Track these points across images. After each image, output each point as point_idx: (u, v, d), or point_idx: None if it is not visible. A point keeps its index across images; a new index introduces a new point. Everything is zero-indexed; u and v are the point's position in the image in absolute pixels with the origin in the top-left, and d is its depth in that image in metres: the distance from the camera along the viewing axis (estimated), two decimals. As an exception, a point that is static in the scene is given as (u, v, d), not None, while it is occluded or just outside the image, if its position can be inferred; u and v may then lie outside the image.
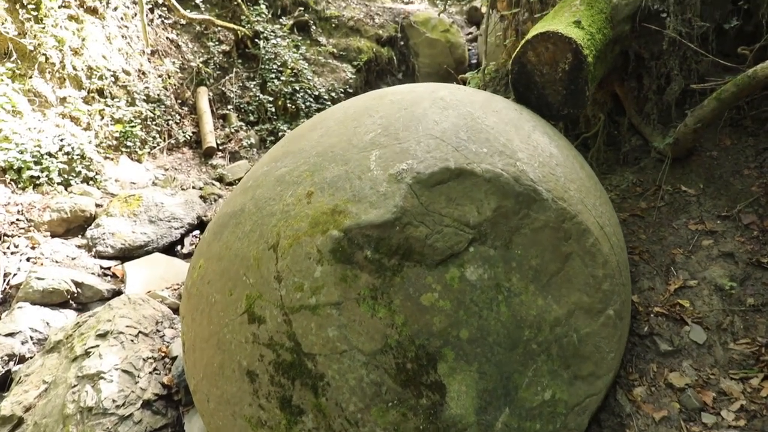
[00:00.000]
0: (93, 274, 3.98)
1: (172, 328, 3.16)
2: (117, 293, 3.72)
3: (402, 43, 9.18)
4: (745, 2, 2.72)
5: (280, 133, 6.83)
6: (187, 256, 4.53)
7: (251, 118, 6.92)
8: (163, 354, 2.89)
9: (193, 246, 4.64)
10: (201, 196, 5.34)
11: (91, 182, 5.10)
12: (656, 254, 2.58)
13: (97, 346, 2.80)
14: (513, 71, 2.35)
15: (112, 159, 5.51)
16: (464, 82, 4.55)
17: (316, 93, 7.51)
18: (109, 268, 4.11)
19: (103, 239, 4.30)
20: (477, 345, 1.68)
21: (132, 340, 2.91)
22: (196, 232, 4.83)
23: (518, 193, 1.73)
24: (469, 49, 9.53)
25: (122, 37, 6.11)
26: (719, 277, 2.35)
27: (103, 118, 5.62)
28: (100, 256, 4.23)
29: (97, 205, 4.75)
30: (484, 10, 10.40)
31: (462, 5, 10.91)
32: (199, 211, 4.92)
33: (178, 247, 4.59)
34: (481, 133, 1.83)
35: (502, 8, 3.71)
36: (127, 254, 4.28)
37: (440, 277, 1.66)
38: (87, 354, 2.79)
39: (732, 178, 2.65)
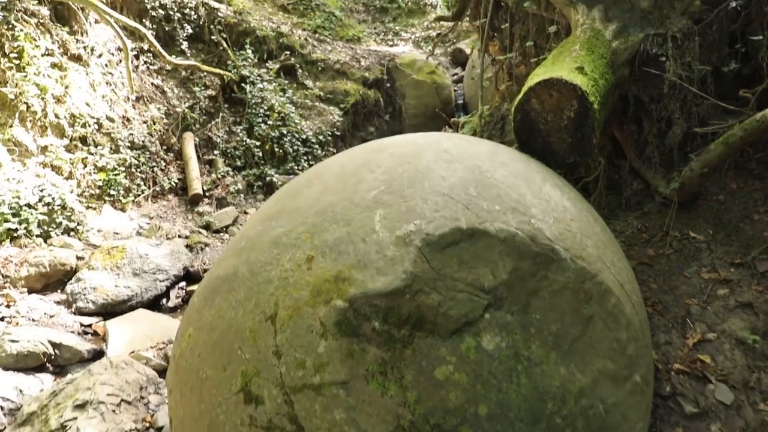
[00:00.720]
0: (72, 332, 3.75)
1: (158, 393, 2.94)
2: (98, 354, 3.50)
3: (388, 85, 9.24)
4: (742, 45, 2.71)
5: (267, 178, 6.73)
6: (173, 310, 4.32)
7: (238, 163, 6.81)
8: (147, 425, 2.67)
9: (179, 299, 4.44)
10: (187, 245, 5.17)
11: (72, 233, 4.91)
12: (670, 305, 2.47)
13: (75, 418, 2.58)
14: (516, 119, 2.27)
15: (94, 208, 5.33)
16: (456, 126, 4.51)
17: (304, 136, 7.46)
18: (90, 326, 3.89)
19: (84, 294, 4.09)
20: (497, 422, 1.52)
21: (113, 410, 2.69)
22: (183, 283, 4.63)
23: (535, 253, 1.61)
24: (455, 90, 9.62)
25: (106, 83, 6.02)
26: (740, 329, 2.23)
27: (85, 166, 5.47)
28: (80, 312, 4.00)
29: (79, 258, 4.55)
30: (468, 51, 10.58)
31: (446, 47, 11.09)
32: (186, 262, 4.73)
33: (164, 301, 4.39)
34: (492, 189, 1.73)
35: (494, 52, 3.69)
36: (109, 310, 4.06)
37: (455, 347, 1.52)
38: (63, 428, 2.56)
39: (742, 224, 2.57)
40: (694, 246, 2.64)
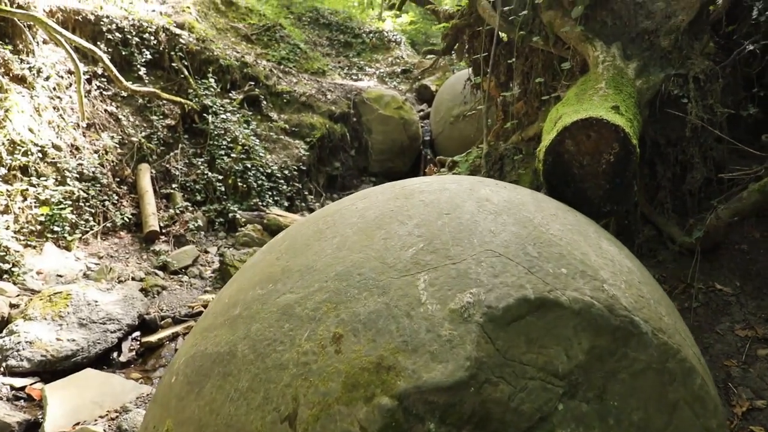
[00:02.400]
0: (0, 398, 3.17)
1: (109, 480, 2.44)
2: (33, 426, 2.94)
3: (354, 119, 9.03)
4: (759, 89, 2.60)
5: (230, 214, 6.27)
6: (125, 366, 3.78)
7: (198, 197, 6.33)
8: None
9: (133, 352, 3.90)
10: (142, 289, 4.64)
11: (6, 276, 4.30)
12: (707, 367, 2.23)
13: None
14: (546, 162, 2.02)
15: (34, 247, 4.73)
16: (441, 165, 4.28)
17: (269, 171, 7.07)
18: (23, 389, 3.31)
19: (18, 350, 3.50)
20: None
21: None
22: (137, 333, 4.10)
23: (614, 327, 1.32)
24: (421, 126, 9.51)
25: (54, 108, 5.48)
26: (792, 398, 2.01)
27: (25, 199, 4.88)
28: (12, 373, 3.41)
29: (12, 306, 3.96)
30: (434, 88, 10.56)
31: (411, 83, 11.05)
32: (140, 309, 4.21)
33: (115, 355, 3.84)
34: (552, 247, 1.44)
35: (489, 89, 3.50)
36: (49, 368, 3.49)
37: (527, 451, 1.20)
38: None
39: (773, 276, 2.40)
40: (722, 299, 2.45)
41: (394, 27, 13.43)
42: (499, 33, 3.20)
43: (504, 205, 1.61)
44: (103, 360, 3.75)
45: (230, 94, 7.56)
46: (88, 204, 5.34)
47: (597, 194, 2.01)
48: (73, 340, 3.66)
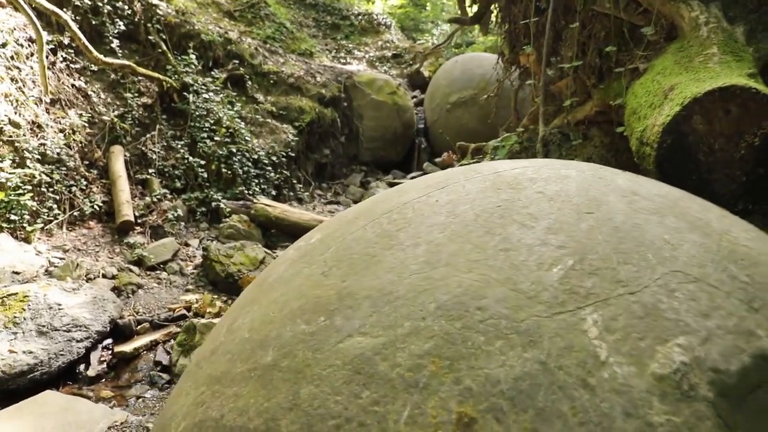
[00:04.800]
0: (-62, 427, 2.57)
1: None
2: (-24, 465, 2.36)
3: (345, 104, 8.46)
4: None
5: (213, 203, 5.66)
6: (94, 381, 3.20)
7: (178, 184, 5.71)
8: None
9: (104, 364, 3.32)
10: (114, 288, 4.04)
11: (-49, 273, 3.65)
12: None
13: None
14: (663, 144, 1.54)
15: (-14, 239, 4.08)
16: (463, 152, 3.78)
17: (255, 156, 6.47)
18: (-33, 414, 2.71)
19: (-38, 365, 2.89)
20: None
21: None
22: (108, 341, 3.51)
23: None
24: (415, 113, 8.99)
25: (11, 80, 4.79)
26: None
27: (-24, 183, 4.21)
28: (-46, 393, 2.81)
29: (-42, 309, 3.32)
30: (427, 74, 10.05)
31: (403, 68, 10.51)
32: (113, 312, 3.61)
33: (82, 367, 3.25)
34: (760, 266, 0.95)
35: (528, 63, 3.00)
36: (-1, 387, 2.89)
37: None
38: None
39: None
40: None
41: (384, 9, 12.84)
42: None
43: (659, 201, 1.11)
44: (67, 374, 3.17)
45: (213, 73, 6.91)
46: (51, 189, 4.68)
47: (728, 189, 1.54)
48: (31, 352, 3.06)
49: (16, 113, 4.68)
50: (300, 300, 1.08)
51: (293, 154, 7.13)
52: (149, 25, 6.43)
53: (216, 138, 6.14)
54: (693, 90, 1.52)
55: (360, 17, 11.56)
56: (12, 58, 4.89)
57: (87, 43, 4.82)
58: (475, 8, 3.35)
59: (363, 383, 0.84)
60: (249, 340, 1.09)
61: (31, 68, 5.02)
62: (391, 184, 7.70)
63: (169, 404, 1.23)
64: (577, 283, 0.88)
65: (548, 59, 2.64)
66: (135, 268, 4.45)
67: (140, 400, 3.00)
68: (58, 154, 4.84)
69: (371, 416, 0.80)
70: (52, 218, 4.61)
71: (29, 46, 5.11)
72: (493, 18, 3.24)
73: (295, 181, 7.11)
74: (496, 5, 3.07)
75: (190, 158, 5.84)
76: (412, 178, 7.91)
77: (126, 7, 6.26)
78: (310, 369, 0.91)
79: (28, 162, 4.57)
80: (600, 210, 1.05)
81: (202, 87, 6.49)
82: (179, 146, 5.88)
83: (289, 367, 0.94)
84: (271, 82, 7.73)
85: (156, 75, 5.90)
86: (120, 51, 6.02)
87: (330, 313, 0.99)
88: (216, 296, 4.11)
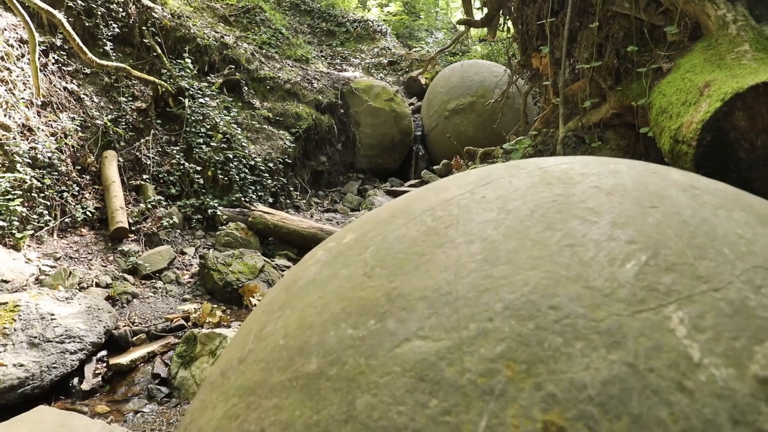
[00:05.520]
0: (-76, 444, 2.42)
1: None
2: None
3: (342, 111, 8.40)
4: None
5: (209, 211, 5.55)
6: (89, 395, 3.06)
7: (173, 190, 5.59)
8: None
9: (99, 377, 3.18)
10: (109, 298, 3.90)
11: (-63, 281, 3.51)
12: None
13: None
14: (702, 142, 1.48)
15: (-26, 245, 3.93)
16: (471, 157, 3.71)
17: (252, 163, 6.37)
18: (-46, 430, 2.56)
19: (-51, 378, 2.75)
20: None
21: None
22: (103, 353, 3.37)
23: None
24: (413, 120, 8.95)
25: (1, 81, 4.66)
26: None
27: (-35, 188, 4.07)
28: (-60, 408, 2.66)
29: (-56, 319, 3.17)
30: (423, 81, 10.03)
31: (399, 75, 10.49)
32: (108, 322, 3.48)
33: (75, 381, 3.11)
34: None
35: (542, 66, 2.95)
36: (-12, 401, 2.75)
37: None
38: None
39: None
40: None
41: (379, 17, 12.85)
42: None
43: (721, 195, 1.04)
44: (60, 388, 3.02)
45: (208, 77, 6.83)
46: (42, 195, 4.54)
47: (774, 186, 1.48)
48: (21, 365, 2.92)
49: (5, 115, 4.54)
50: (341, 303, 0.98)
51: (290, 161, 7.04)
52: (144, 28, 6.34)
53: (212, 144, 6.03)
54: (733, 85, 1.47)
55: (355, 24, 11.55)
56: (2, 59, 4.77)
57: (81, 44, 4.71)
58: (485, 11, 3.30)
59: (429, 391, 0.75)
60: (285, 347, 0.99)
61: (22, 70, 4.89)
62: (389, 192, 7.63)
63: (192, 418, 1.13)
64: (655, 280, 0.80)
65: (567, 59, 2.59)
66: (130, 277, 4.31)
67: (138, 414, 2.86)
68: (49, 158, 4.71)
69: (443, 427, 0.71)
70: (42, 225, 4.47)
71: (20, 47, 4.99)
72: (501, 21, 3.20)
73: (291, 189, 7.01)
74: (508, 6, 3.02)
75: (186, 164, 5.72)
76: (410, 186, 7.84)
77: (120, 9, 6.16)
78: (365, 377, 0.82)
79: (18, 166, 4.43)
80: (664, 204, 0.97)
81: (198, 92, 6.39)
82: (174, 152, 5.76)
83: (338, 375, 0.85)
84: (268, 87, 7.65)
85: (151, 78, 5.80)
86: (114, 54, 5.92)
87: (380, 316, 0.90)
88: (216, 306, 3.99)
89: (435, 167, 8.29)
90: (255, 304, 4.13)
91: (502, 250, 0.92)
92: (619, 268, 0.83)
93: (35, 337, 3.05)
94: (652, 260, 0.84)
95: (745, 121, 1.49)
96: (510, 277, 0.86)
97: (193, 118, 6.05)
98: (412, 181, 8.13)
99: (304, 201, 7.05)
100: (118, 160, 5.29)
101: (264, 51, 8.34)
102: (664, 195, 1.00)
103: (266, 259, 4.75)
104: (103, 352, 3.35)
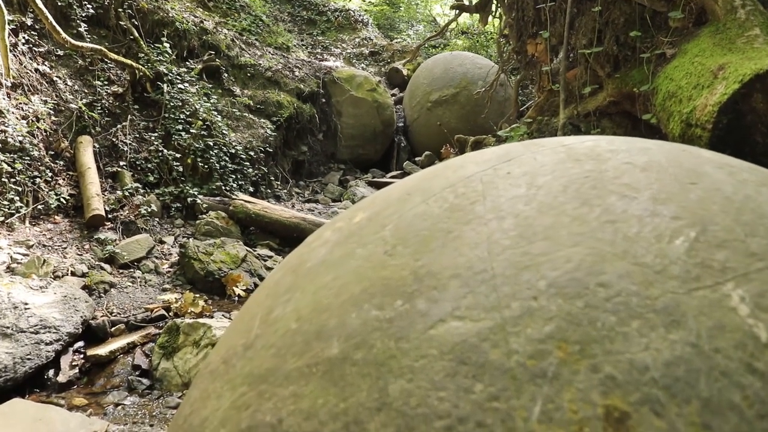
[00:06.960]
0: None
1: None
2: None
3: (324, 100, 8.28)
4: None
5: (189, 199, 5.39)
6: (66, 387, 2.93)
7: (151, 178, 5.41)
8: None
9: (76, 369, 3.05)
10: (85, 287, 3.76)
11: None
12: None
13: None
14: (718, 126, 1.44)
15: (-60, 232, 3.73)
16: (461, 145, 3.67)
17: (232, 151, 6.22)
18: None
19: None
20: None
21: None
22: (80, 344, 3.24)
23: None
24: (395, 111, 8.87)
25: (-29, 62, 4.43)
26: None
27: (-70, 171, 3.86)
28: None
29: None
30: (405, 72, 9.95)
31: (381, 66, 10.40)
32: (85, 312, 3.34)
33: (51, 373, 2.98)
34: None
35: (536, 53, 2.91)
36: (-43, 395, 2.60)
37: None
38: None
39: None
40: None
41: (361, 7, 12.71)
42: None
43: (757, 173, 1.01)
44: (35, 381, 2.89)
45: (188, 63, 6.63)
46: (13, 180, 4.35)
47: (787, 171, 1.45)
48: (-6, 356, 2.77)
49: (-26, 97, 4.32)
50: (362, 283, 0.91)
51: (271, 150, 6.90)
52: (120, 10, 6.12)
53: (192, 131, 5.86)
54: (752, 67, 1.44)
55: (337, 13, 11.40)
56: (-30, 38, 4.52)
57: (54, 24, 4.50)
58: (477, -5, 3.26)
59: (473, 375, 0.69)
60: (299, 331, 0.92)
61: (-8, 50, 4.65)
62: (371, 183, 7.56)
63: (192, 409, 1.05)
64: (708, 256, 0.75)
65: (568, 44, 2.55)
66: (107, 266, 4.16)
67: (119, 407, 2.75)
68: (20, 142, 4.50)
69: (491, 414, 0.65)
70: (13, 211, 4.28)
71: (-11, 26, 4.74)
72: (494, 8, 3.15)
73: (272, 178, 6.88)
74: (502, -8, 2.97)
75: (165, 151, 5.55)
76: (392, 177, 7.78)
77: (95, -10, 5.93)
78: (396, 361, 0.75)
79: (-13, 150, 4.23)
80: (703, 180, 0.93)
81: (177, 77, 6.21)
82: (152, 138, 5.58)
83: (366, 359, 0.78)
84: (248, 75, 7.48)
85: (128, 62, 5.59)
86: (88, 36, 5.70)
87: (408, 296, 0.83)
88: (198, 295, 3.87)
89: (417, 159, 8.24)
90: (239, 294, 4.03)
91: (537, 226, 0.87)
92: (668, 245, 0.78)
93: (8, 327, 2.91)
94: (702, 236, 0.79)
95: (764, 104, 1.46)
96: (550, 254, 0.81)
97: (171, 104, 5.87)
98: (394, 173, 8.07)
99: (285, 191, 6.93)
100: (94, 146, 5.10)
101: (244, 38, 8.16)
102: (701, 172, 0.96)
103: (248, 248, 4.63)
104: (80, 343, 3.22)
